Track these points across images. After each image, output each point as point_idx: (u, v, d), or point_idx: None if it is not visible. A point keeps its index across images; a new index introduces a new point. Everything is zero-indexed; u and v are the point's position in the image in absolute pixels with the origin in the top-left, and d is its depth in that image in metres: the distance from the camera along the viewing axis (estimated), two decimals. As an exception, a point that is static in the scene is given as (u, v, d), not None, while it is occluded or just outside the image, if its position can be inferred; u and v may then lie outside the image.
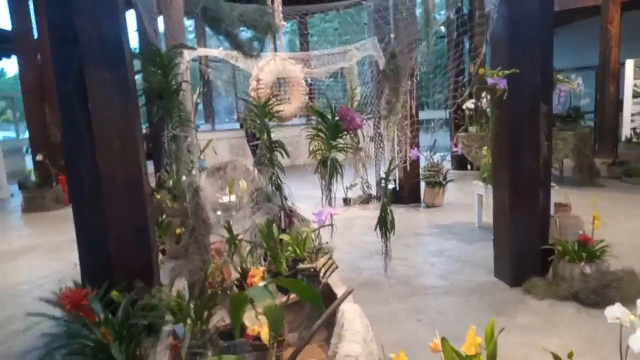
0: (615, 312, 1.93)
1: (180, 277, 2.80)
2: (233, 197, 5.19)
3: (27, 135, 8.66)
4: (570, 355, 1.82)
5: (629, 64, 8.38)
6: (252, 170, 4.17)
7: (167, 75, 2.95)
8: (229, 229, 2.55)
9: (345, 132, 3.30)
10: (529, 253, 3.58)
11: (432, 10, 3.77)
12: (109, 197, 2.83)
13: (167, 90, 2.99)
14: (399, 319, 3.21)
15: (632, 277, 3.43)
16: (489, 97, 3.62)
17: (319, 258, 2.49)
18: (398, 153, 5.58)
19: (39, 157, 7.12)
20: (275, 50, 5.50)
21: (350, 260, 4.43)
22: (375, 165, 5.89)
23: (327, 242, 2.67)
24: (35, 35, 7.81)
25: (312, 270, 2.41)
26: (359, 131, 4.53)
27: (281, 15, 5.46)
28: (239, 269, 2.44)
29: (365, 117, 4.22)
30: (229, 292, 2.20)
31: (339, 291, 2.23)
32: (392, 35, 5.18)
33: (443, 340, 1.72)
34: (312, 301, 1.19)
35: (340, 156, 3.53)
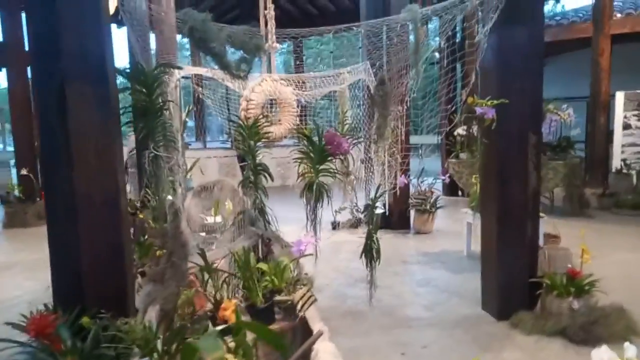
0: (602, 354, 1.84)
1: (155, 303, 2.69)
2: (218, 218, 5.10)
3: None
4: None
5: (619, 96, 8.44)
6: (239, 191, 4.09)
7: (151, 94, 2.89)
8: (203, 256, 2.45)
9: (332, 157, 3.23)
10: (517, 286, 3.50)
11: (422, 39, 3.77)
12: (83, 217, 2.73)
13: (151, 109, 2.93)
14: (381, 353, 3.10)
15: (620, 314, 3.36)
16: (476, 127, 3.58)
17: (297, 290, 2.40)
18: (388, 178, 5.53)
19: (24, 171, 6.99)
20: (269, 71, 5.49)
21: (335, 287, 4.33)
22: (365, 189, 5.83)
23: (306, 274, 2.58)
24: (27, 48, 7.76)
25: (289, 302, 2.32)
26: (350, 154, 4.48)
27: (274, 37, 5.47)
28: (212, 299, 2.33)
29: (355, 142, 4.17)
30: (200, 324, 2.10)
31: (316, 327, 2.14)
32: (385, 60, 5.19)
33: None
34: (273, 345, 1.10)
35: (329, 179, 3.46)
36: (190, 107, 6.34)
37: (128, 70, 2.96)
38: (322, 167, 3.27)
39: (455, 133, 7.70)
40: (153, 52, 4.84)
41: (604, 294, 3.36)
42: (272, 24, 5.25)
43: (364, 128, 5.45)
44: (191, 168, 4.96)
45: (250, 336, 2.02)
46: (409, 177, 6.23)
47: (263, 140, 3.60)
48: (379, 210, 6.48)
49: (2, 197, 7.38)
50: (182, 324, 1.91)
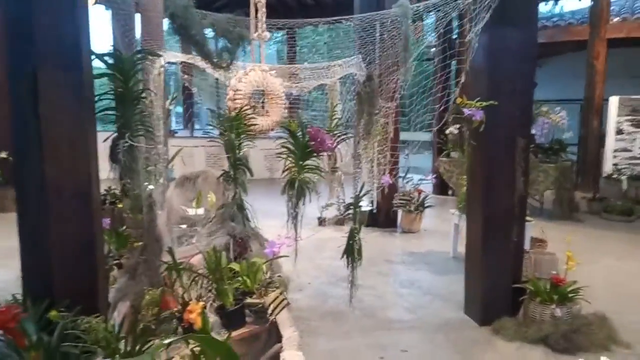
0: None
1: (125, 299, 2.60)
2: (200, 210, 5.00)
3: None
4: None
5: (613, 101, 8.40)
6: (223, 183, 3.98)
7: (128, 82, 2.79)
8: (172, 253, 2.35)
9: (315, 154, 3.13)
10: (500, 291, 3.44)
11: (417, 35, 3.67)
12: (53, 208, 2.62)
13: (128, 97, 2.82)
14: (359, 355, 3.04)
15: (603, 322, 3.32)
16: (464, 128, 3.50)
17: (268, 292, 2.31)
18: (376, 175, 5.44)
19: (3, 155, 6.81)
20: (259, 61, 5.37)
21: (316, 286, 4.25)
22: (353, 186, 5.74)
23: (279, 275, 2.50)
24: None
25: (259, 306, 2.24)
26: (337, 149, 4.39)
27: (264, 26, 5.34)
28: (180, 299, 2.24)
29: (344, 137, 4.08)
30: (167, 324, 2.01)
31: (286, 332, 2.06)
32: (377, 55, 5.08)
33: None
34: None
35: (316, 174, 3.36)
36: (175, 95, 6.20)
37: (106, 56, 2.84)
38: (306, 163, 3.17)
39: (447, 131, 7.62)
40: (138, 37, 4.72)
41: (588, 301, 3.31)
42: (262, 12, 5.13)
43: (353, 123, 5.35)
44: (173, 158, 4.84)
45: (219, 338, 1.94)
46: (397, 175, 6.16)
47: (249, 132, 3.51)
48: (366, 208, 6.44)
49: (-21, 182, 7.21)
50: (145, 326, 1.82)
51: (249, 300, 2.31)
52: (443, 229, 6.08)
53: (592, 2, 8.63)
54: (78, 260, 2.69)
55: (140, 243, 2.87)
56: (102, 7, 6.97)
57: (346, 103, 5.92)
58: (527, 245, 4.25)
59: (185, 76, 5.43)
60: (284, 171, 3.39)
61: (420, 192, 6.42)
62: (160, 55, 3.49)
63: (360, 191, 3.30)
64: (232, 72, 4.87)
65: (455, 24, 6.88)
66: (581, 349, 3.09)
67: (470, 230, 3.59)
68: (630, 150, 8.32)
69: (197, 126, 11.91)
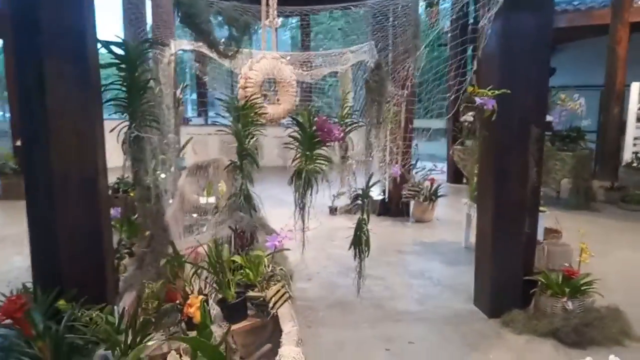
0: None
1: (131, 290, 2.61)
2: (211, 199, 5.01)
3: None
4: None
5: (635, 87, 8.16)
6: (231, 173, 3.97)
7: (133, 71, 2.77)
8: (173, 245, 2.35)
9: (323, 144, 3.09)
10: (510, 283, 3.38)
11: (432, 20, 3.58)
12: (60, 198, 2.64)
13: (133, 87, 2.81)
14: (366, 346, 3.02)
15: (616, 315, 3.25)
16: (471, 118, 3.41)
17: (270, 286, 2.30)
18: (388, 164, 5.38)
19: (19, 142, 6.89)
20: (270, 48, 5.32)
21: (325, 275, 4.24)
22: (365, 174, 5.69)
23: (281, 268, 2.48)
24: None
25: (261, 299, 2.23)
26: (349, 138, 4.33)
27: (275, 12, 5.28)
28: (182, 292, 2.25)
29: (354, 127, 4.03)
30: (169, 316, 2.01)
31: (286, 327, 2.05)
32: (391, 41, 4.99)
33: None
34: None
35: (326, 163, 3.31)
36: (186, 84, 6.18)
37: (112, 45, 2.82)
38: (313, 153, 3.13)
39: (462, 119, 7.49)
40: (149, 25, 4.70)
41: (601, 295, 3.24)
42: (274, -1, 5.08)
43: (364, 111, 5.28)
44: (183, 147, 4.85)
45: (219, 331, 1.94)
46: (409, 163, 6.09)
47: (258, 121, 3.48)
48: (377, 197, 6.39)
49: (-2, 169, 7.31)
50: (145, 319, 1.82)
51: (250, 293, 2.30)
52: (456, 218, 6.01)
53: (615, -15, 8.36)
54: (85, 250, 2.71)
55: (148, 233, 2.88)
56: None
57: (358, 91, 5.84)
58: (540, 236, 4.18)
59: (198, 64, 5.40)
60: (293, 160, 3.36)
61: (433, 181, 6.34)
62: (165, 45, 3.46)
63: (369, 182, 3.25)
64: (244, 60, 4.84)
65: (472, 7, 6.72)
66: (593, 343, 3.03)
67: (480, 221, 3.53)
68: (651, 138, 8.11)
69: (211, 113, 11.90)
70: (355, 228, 3.21)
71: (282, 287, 2.27)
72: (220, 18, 3.05)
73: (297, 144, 3.16)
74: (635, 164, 7.83)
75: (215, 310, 2.29)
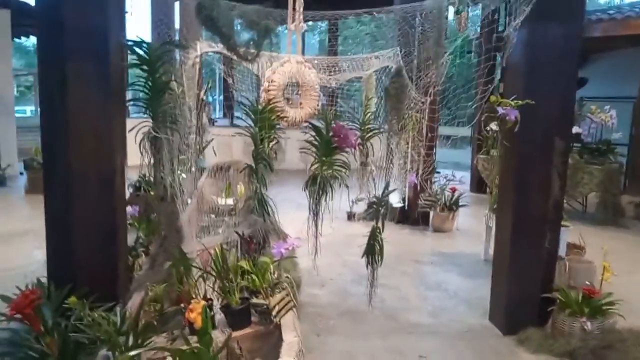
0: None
1: (141, 289, 2.62)
2: (230, 201, 5.03)
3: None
4: None
5: (670, 100, 7.90)
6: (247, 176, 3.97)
7: (154, 72, 2.79)
8: (180, 250, 2.35)
9: (339, 150, 3.06)
10: (528, 300, 3.28)
11: (461, 27, 3.50)
12: (78, 196, 2.69)
13: (153, 88, 2.83)
14: (375, 358, 2.97)
15: (639, 339, 3.11)
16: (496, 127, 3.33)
17: (275, 293, 2.28)
18: (408, 172, 5.31)
19: (47, 138, 7.03)
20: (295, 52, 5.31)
21: (339, 283, 4.20)
22: (385, 181, 5.62)
23: (287, 276, 2.45)
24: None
25: (264, 307, 2.20)
26: (369, 144, 4.28)
27: (301, 17, 5.27)
28: (187, 296, 2.24)
29: (375, 132, 3.99)
30: (175, 319, 2.01)
31: (288, 337, 2.02)
32: (415, 48, 4.92)
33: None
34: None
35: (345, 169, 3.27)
36: (210, 86, 6.22)
37: (134, 46, 2.84)
38: (329, 158, 3.11)
39: (487, 127, 7.35)
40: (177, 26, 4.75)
41: (622, 317, 3.11)
42: (299, 3, 5.06)
43: (385, 118, 5.23)
44: (204, 148, 4.88)
45: (221, 337, 1.93)
46: (433, 170, 5.99)
47: (276, 125, 3.48)
48: (397, 205, 6.30)
49: (26, 163, 7.49)
50: (147, 322, 1.82)
51: (254, 300, 2.29)
52: (477, 229, 5.87)
53: (653, -6, 8.09)
54: (100, 248, 2.75)
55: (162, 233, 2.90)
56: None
57: (381, 97, 5.78)
58: (562, 252, 4.05)
59: (222, 67, 5.44)
60: (311, 166, 3.34)
61: (454, 190, 6.23)
62: (187, 47, 3.48)
63: (385, 190, 3.20)
64: (269, 63, 4.85)
65: (502, 14, 6.59)
66: (612, 367, 2.91)
67: (499, 234, 3.44)
68: (685, 154, 7.80)
69: (237, 114, 11.99)
70: (369, 236, 3.16)
71: (287, 295, 2.25)
72: (241, 21, 3.07)
73: (314, 149, 3.14)
74: (667, 180, 7.55)
75: (220, 315, 2.28)
